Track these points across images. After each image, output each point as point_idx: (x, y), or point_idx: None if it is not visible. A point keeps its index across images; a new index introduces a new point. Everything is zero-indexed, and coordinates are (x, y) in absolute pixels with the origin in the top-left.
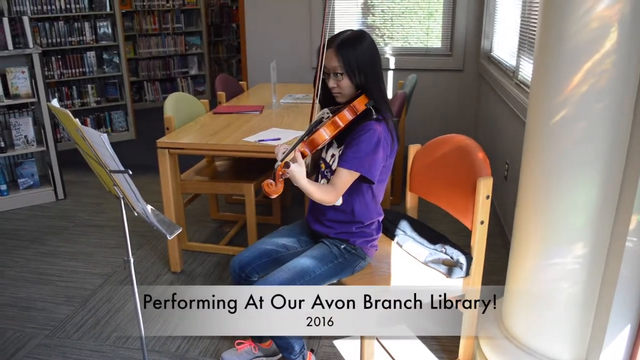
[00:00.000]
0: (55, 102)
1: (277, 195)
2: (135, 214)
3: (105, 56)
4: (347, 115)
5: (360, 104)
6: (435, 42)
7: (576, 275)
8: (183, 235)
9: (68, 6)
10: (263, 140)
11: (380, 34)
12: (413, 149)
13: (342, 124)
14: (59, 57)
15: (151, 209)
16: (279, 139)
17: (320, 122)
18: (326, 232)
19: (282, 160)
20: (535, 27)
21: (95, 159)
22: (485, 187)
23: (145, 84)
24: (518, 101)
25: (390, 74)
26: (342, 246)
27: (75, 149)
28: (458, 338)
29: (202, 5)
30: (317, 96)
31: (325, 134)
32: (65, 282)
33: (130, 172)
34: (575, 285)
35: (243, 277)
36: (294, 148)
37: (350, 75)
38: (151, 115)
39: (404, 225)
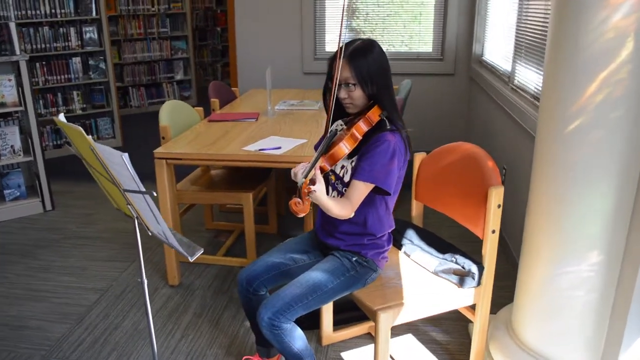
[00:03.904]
0: (62, 117)
1: (304, 214)
2: (149, 234)
3: (91, 62)
4: (363, 127)
5: (375, 114)
6: (422, 45)
7: (592, 283)
8: None
9: (53, 11)
10: (264, 150)
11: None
12: (419, 157)
13: (360, 137)
14: (44, 63)
15: (171, 230)
16: (279, 147)
17: (334, 134)
18: (337, 245)
19: (305, 178)
20: (532, 32)
21: (107, 177)
22: (497, 196)
23: (130, 89)
24: (515, 106)
25: None
26: (354, 259)
27: (62, 157)
28: (466, 346)
29: (187, 9)
30: (331, 109)
31: (345, 147)
32: (60, 298)
33: (155, 194)
34: (591, 293)
35: (251, 292)
36: (314, 164)
37: (363, 86)
38: (137, 121)
39: (410, 234)
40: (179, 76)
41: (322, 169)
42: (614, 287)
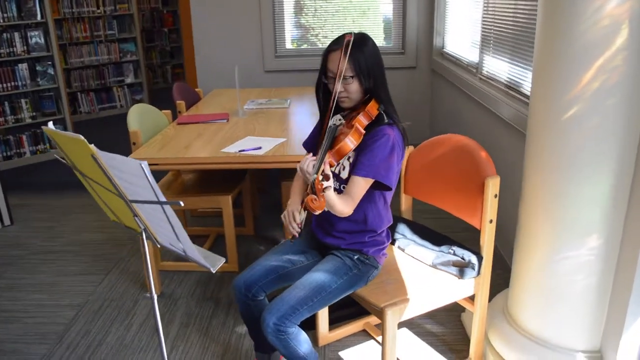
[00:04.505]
0: (51, 126)
1: (321, 210)
2: (158, 246)
3: (38, 68)
4: (363, 121)
5: (373, 108)
6: (379, 40)
7: (591, 267)
8: (156, 255)
9: None
10: (244, 151)
11: (314, 34)
12: (407, 151)
13: (364, 131)
14: None
15: (195, 246)
16: (259, 148)
17: (335, 129)
18: (337, 244)
19: (317, 173)
20: (500, 23)
21: (109, 188)
22: (494, 186)
23: (79, 95)
24: (486, 95)
25: None
26: (355, 257)
27: (14, 169)
28: (462, 335)
29: (135, 10)
30: (333, 101)
31: (351, 143)
32: (33, 317)
33: (182, 204)
34: (590, 277)
35: (250, 297)
36: (323, 159)
37: (361, 79)
38: (89, 127)
39: (402, 228)
40: (130, 79)
41: (329, 165)
42: (613, 269)
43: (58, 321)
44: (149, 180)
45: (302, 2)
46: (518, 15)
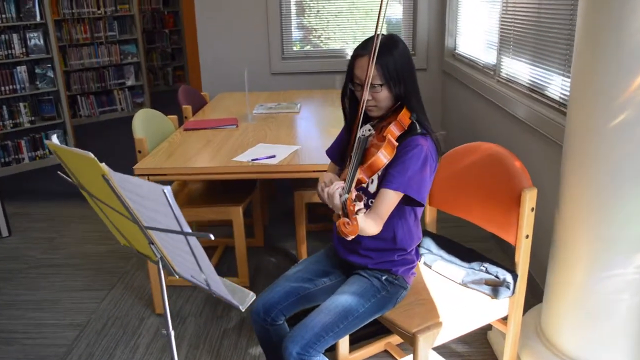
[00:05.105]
0: (55, 140)
1: (355, 235)
2: (176, 277)
3: (37, 70)
4: (396, 132)
5: (405, 117)
6: None
7: (638, 285)
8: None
9: None
10: (257, 160)
11: (317, 35)
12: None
13: (396, 143)
14: None
15: (220, 278)
16: (274, 156)
17: (365, 141)
18: (364, 263)
19: (349, 193)
20: (520, 24)
21: (121, 211)
22: (530, 199)
23: (79, 98)
24: (505, 97)
25: None
26: (384, 277)
27: (11, 176)
28: (489, 355)
29: (136, 11)
30: (361, 112)
31: (384, 157)
32: (33, 338)
33: (212, 237)
34: (636, 296)
35: (269, 322)
36: (353, 178)
37: (391, 85)
38: (89, 132)
39: (427, 242)
40: (131, 82)
41: (359, 181)
42: None
43: (59, 342)
44: (172, 208)
45: (304, 3)
46: (542, 14)
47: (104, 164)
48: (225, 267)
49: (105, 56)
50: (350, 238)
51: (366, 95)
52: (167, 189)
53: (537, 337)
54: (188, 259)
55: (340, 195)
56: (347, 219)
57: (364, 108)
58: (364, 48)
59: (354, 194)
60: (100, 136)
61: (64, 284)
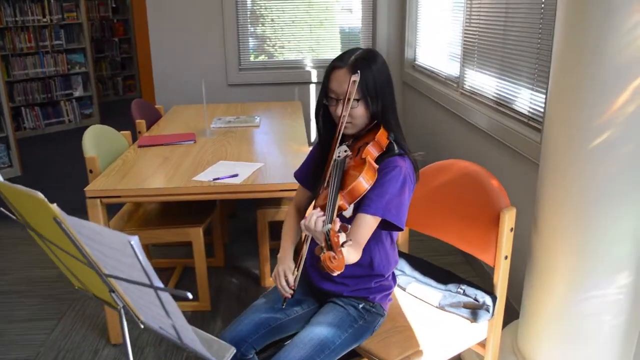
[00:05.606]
0: None
1: (341, 270)
2: (142, 327)
3: None
4: (374, 153)
5: (383, 137)
6: (329, 51)
7: (620, 306)
8: None
9: None
10: (219, 179)
11: (271, 44)
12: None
13: (376, 166)
14: None
15: (193, 329)
16: (236, 175)
17: (343, 163)
18: (339, 291)
19: (332, 223)
20: (484, 37)
21: (76, 256)
22: (510, 219)
23: (23, 109)
24: (469, 110)
25: (312, 87)
26: (360, 305)
27: None
28: None
29: (84, 19)
30: (340, 131)
31: (365, 182)
32: None
33: (191, 296)
34: (619, 317)
35: (238, 357)
36: (334, 205)
37: (368, 101)
38: (34, 145)
39: (400, 263)
40: (78, 92)
41: (339, 208)
42: None
43: None
44: (140, 262)
45: (257, 12)
46: (508, 27)
47: (55, 205)
48: (184, 287)
49: (52, 66)
50: (336, 274)
51: (343, 110)
52: (135, 240)
53: (514, 356)
54: (156, 311)
55: (324, 223)
56: (332, 253)
57: (343, 125)
58: (341, 60)
59: (337, 224)
60: (46, 149)
61: (9, 313)
